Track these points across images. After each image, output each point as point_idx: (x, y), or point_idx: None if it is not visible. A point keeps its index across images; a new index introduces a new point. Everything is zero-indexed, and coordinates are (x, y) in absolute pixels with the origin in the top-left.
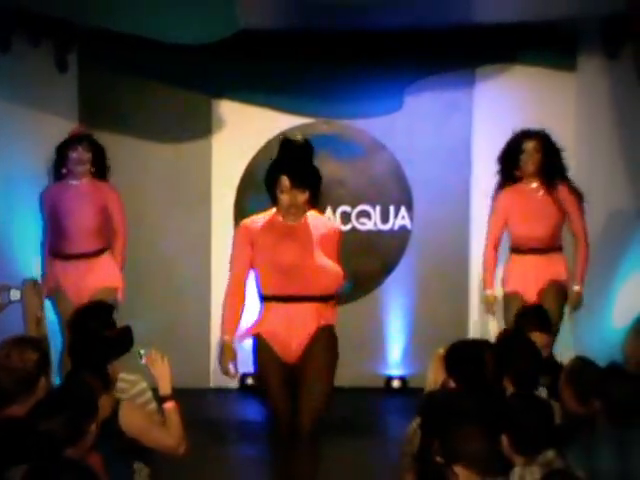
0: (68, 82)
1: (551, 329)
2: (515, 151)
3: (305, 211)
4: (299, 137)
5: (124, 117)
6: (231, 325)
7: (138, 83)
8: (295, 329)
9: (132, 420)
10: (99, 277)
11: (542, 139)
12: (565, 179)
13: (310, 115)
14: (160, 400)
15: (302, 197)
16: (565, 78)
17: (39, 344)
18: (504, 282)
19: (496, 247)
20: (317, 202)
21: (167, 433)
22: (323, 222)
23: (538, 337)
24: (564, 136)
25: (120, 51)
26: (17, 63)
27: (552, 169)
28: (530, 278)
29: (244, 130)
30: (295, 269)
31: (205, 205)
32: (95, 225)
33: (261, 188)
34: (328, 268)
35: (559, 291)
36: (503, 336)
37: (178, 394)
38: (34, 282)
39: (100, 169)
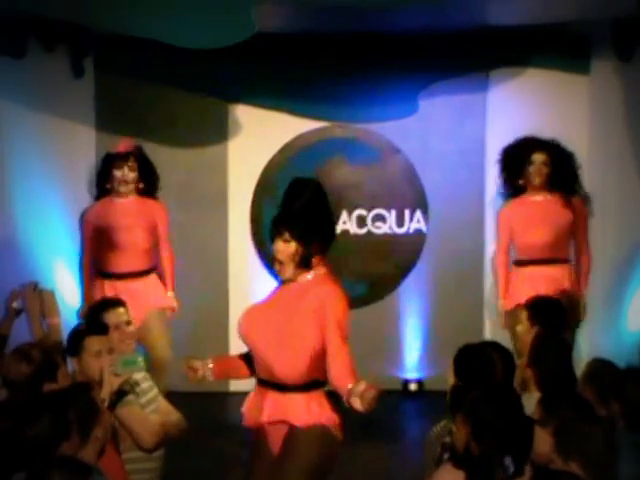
0: (84, 87)
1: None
2: (522, 160)
3: (294, 268)
4: (309, 178)
5: (140, 122)
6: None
7: (154, 88)
8: (274, 424)
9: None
10: (151, 298)
11: (552, 152)
12: (577, 193)
13: (325, 119)
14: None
15: (284, 248)
16: (578, 81)
17: (38, 353)
18: (509, 296)
19: (507, 254)
20: (323, 251)
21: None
22: (321, 290)
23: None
24: (577, 139)
25: (136, 56)
26: (33, 69)
27: (561, 183)
28: (534, 290)
29: (260, 134)
30: (267, 361)
31: (222, 209)
32: (148, 243)
33: (277, 192)
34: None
35: (565, 300)
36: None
37: (198, 398)
38: (34, 285)
39: (148, 185)
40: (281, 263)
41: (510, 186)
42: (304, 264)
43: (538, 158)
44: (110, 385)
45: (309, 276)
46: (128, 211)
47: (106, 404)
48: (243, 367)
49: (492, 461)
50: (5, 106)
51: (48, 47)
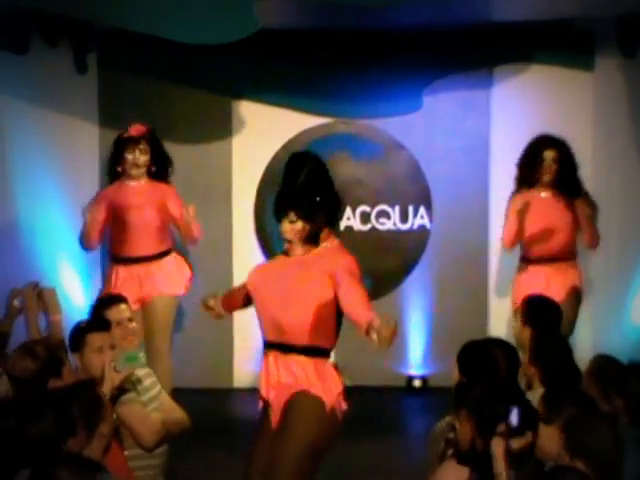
0: (87, 83)
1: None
2: (535, 157)
3: (303, 245)
4: (306, 153)
5: (144, 118)
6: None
7: (158, 84)
8: (276, 395)
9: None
10: (163, 283)
11: (562, 150)
12: (580, 192)
13: (329, 115)
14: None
15: (291, 228)
16: (582, 77)
17: (43, 350)
18: (515, 293)
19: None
20: (332, 224)
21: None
22: (334, 256)
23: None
24: (581, 135)
25: (139, 52)
26: (36, 65)
27: (567, 182)
28: (542, 288)
29: (264, 130)
30: (275, 315)
31: (226, 205)
32: (158, 222)
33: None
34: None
35: (575, 297)
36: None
37: (201, 394)
38: (34, 285)
39: (160, 169)
40: (290, 242)
41: (525, 182)
42: (312, 241)
43: (549, 154)
44: (111, 381)
45: (326, 244)
46: (139, 192)
47: (107, 399)
48: (240, 299)
49: None
50: (8, 102)
51: (51, 43)
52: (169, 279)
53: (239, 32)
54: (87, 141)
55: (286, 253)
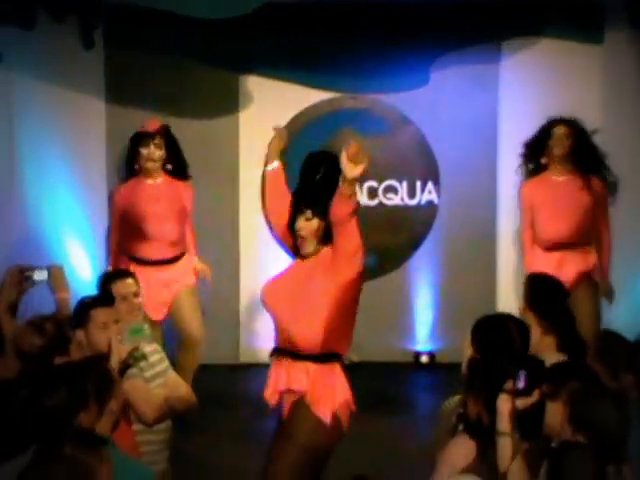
0: (94, 59)
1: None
2: (543, 136)
3: (316, 243)
4: (324, 151)
5: (150, 94)
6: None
7: (164, 59)
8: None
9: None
10: (180, 280)
11: (573, 126)
12: (597, 172)
13: (336, 90)
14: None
15: (307, 225)
16: (592, 51)
17: (52, 326)
18: None
19: (532, 228)
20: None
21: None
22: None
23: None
24: (591, 109)
25: (146, 27)
26: (42, 40)
27: (583, 158)
28: (557, 275)
29: (271, 105)
30: (285, 325)
31: (233, 181)
32: (177, 234)
33: (288, 163)
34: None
35: (590, 287)
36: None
37: (208, 370)
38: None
39: (176, 166)
40: (303, 239)
41: (532, 163)
42: (326, 238)
43: (559, 131)
44: (119, 355)
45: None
46: (157, 197)
47: (116, 373)
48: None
49: None
50: (15, 77)
51: (58, 18)
52: (186, 274)
53: (245, 6)
54: (93, 117)
55: (297, 255)
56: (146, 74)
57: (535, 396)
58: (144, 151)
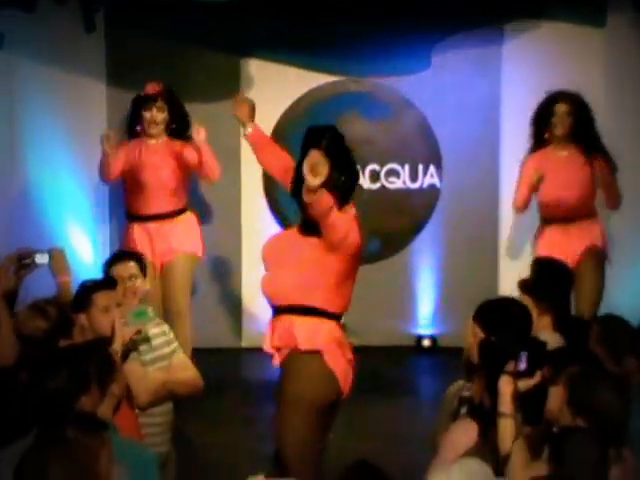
0: (95, 42)
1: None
2: (546, 113)
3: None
4: (325, 125)
5: (152, 77)
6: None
7: (165, 42)
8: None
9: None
10: (180, 241)
11: (575, 103)
12: (599, 150)
13: (339, 73)
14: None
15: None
16: (594, 34)
17: (55, 310)
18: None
19: (528, 195)
20: (348, 195)
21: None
22: None
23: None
24: (593, 92)
25: (147, 10)
26: (43, 23)
27: (584, 135)
28: (564, 248)
29: (273, 89)
30: (272, 276)
31: (234, 165)
32: (174, 182)
33: (290, 147)
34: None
35: (597, 258)
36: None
37: (210, 354)
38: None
39: (179, 126)
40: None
41: (538, 140)
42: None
43: (561, 108)
44: (122, 337)
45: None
46: (156, 150)
47: (119, 356)
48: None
49: None
50: (16, 60)
51: (59, 1)
52: (186, 237)
53: None
54: (95, 100)
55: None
56: (147, 57)
57: (537, 378)
58: (147, 115)
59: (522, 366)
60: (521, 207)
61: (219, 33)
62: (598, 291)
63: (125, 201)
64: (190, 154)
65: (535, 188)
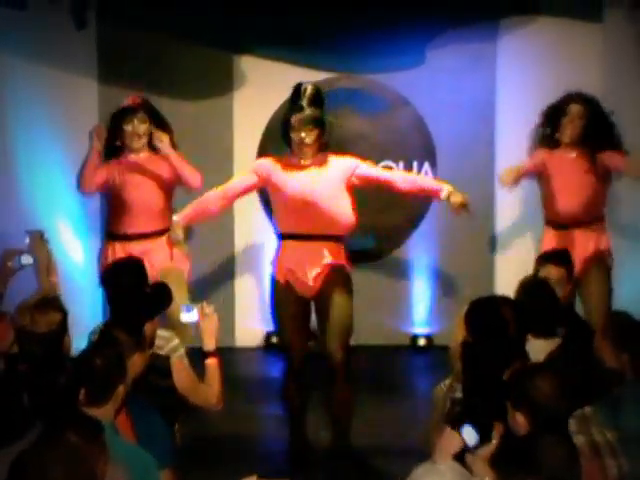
0: (86, 39)
1: (568, 263)
2: (559, 112)
3: (317, 150)
4: (309, 85)
5: (144, 74)
6: (190, 212)
7: (158, 39)
8: (309, 265)
9: (183, 377)
10: (163, 259)
11: (589, 106)
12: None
13: (332, 70)
14: (203, 355)
15: (311, 135)
16: (591, 29)
17: (59, 303)
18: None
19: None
20: (326, 145)
21: (210, 390)
22: (343, 161)
23: (553, 270)
24: (590, 88)
25: (139, 7)
26: (34, 20)
27: (595, 139)
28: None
29: (266, 85)
30: (305, 206)
31: (227, 161)
32: (159, 201)
33: (283, 143)
34: (338, 210)
35: (602, 266)
36: (523, 284)
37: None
38: (40, 235)
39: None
40: (308, 147)
41: (547, 139)
42: (321, 148)
43: (574, 108)
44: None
45: (329, 158)
46: (138, 168)
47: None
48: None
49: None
50: (7, 57)
51: None
52: (169, 255)
53: None
54: (86, 97)
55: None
56: (139, 54)
57: (496, 437)
58: (128, 128)
59: (472, 442)
60: (510, 179)
61: (212, 30)
62: (605, 298)
63: (106, 219)
64: (164, 168)
65: (532, 177)
